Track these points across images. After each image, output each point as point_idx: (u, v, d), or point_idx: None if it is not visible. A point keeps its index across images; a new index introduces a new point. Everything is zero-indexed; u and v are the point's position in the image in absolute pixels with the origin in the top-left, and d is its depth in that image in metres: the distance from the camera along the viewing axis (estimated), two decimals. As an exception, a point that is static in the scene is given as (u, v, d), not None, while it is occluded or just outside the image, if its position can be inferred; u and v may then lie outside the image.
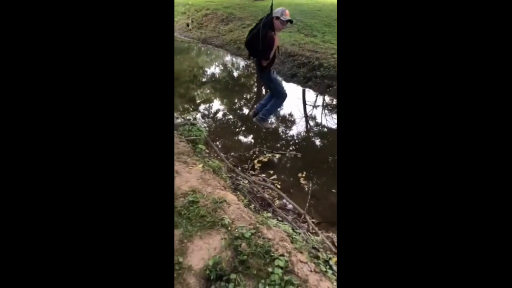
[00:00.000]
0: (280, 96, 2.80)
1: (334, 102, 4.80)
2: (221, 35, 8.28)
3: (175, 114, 4.37)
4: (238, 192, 2.22)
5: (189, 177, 1.90)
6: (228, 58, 7.55)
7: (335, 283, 1.34)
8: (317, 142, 3.85)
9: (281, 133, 4.03)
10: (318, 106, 4.88)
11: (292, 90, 5.38)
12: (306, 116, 4.54)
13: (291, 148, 3.54)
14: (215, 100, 5.06)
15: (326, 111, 4.61)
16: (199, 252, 1.40)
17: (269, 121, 3.15)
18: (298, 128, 4.14)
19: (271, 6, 2.49)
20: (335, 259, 1.61)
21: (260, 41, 2.43)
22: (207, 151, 2.84)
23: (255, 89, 5.93)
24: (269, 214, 1.84)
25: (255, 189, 2.54)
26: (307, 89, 5.27)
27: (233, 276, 1.30)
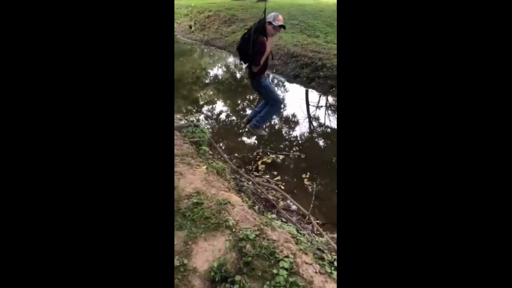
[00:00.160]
0: (274, 103, 2.70)
1: (338, 102, 4.79)
2: (224, 37, 8.31)
3: (178, 116, 4.39)
4: (242, 194, 2.22)
5: (193, 178, 1.90)
6: (231, 59, 7.57)
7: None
8: (321, 142, 3.83)
9: (285, 134, 4.02)
10: (321, 106, 4.86)
11: (295, 90, 5.37)
12: (309, 116, 4.53)
13: (294, 149, 3.53)
14: (218, 102, 5.07)
15: (330, 112, 4.60)
16: (203, 253, 1.40)
17: (264, 128, 3.05)
18: (302, 128, 4.13)
19: (264, 11, 2.42)
20: (340, 260, 1.60)
21: (250, 46, 2.36)
22: (210, 152, 2.85)
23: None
24: (274, 216, 1.83)
25: (259, 190, 2.54)
26: (310, 90, 5.27)
27: (238, 277, 1.29)
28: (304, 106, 4.81)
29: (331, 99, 4.92)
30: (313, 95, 5.16)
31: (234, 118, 4.42)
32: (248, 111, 5.06)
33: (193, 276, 1.30)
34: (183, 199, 1.71)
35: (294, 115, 4.49)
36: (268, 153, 3.20)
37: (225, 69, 7.11)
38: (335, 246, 1.88)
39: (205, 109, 4.79)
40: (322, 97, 5.08)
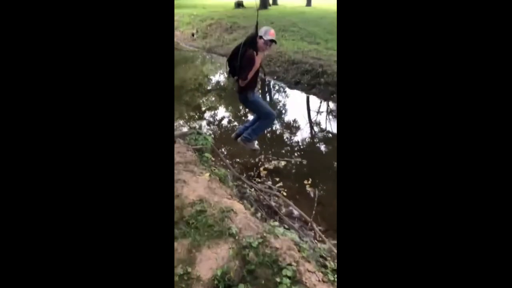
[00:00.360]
0: (267, 116, 2.58)
1: (339, 108, 4.81)
2: (226, 44, 8.40)
3: (181, 122, 4.43)
4: (245, 201, 2.23)
5: (197, 186, 1.92)
6: (232, 66, 7.64)
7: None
8: (322, 148, 3.85)
9: (286, 140, 4.04)
10: (322, 112, 4.89)
11: (296, 97, 5.41)
12: (310, 122, 4.56)
13: (296, 154, 3.55)
14: (220, 108, 5.11)
15: (331, 117, 4.62)
16: (207, 262, 1.41)
17: (255, 142, 2.85)
18: (303, 134, 4.15)
19: (256, 24, 2.32)
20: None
21: (238, 59, 2.28)
22: (213, 159, 2.87)
23: (259, 95, 5.98)
24: (276, 223, 1.84)
25: (261, 197, 2.54)
26: (311, 96, 5.30)
27: (241, 286, 1.30)
28: (305, 112, 4.84)
29: (332, 105, 4.94)
30: (314, 101, 5.20)
31: (236, 123, 4.45)
32: (250, 117, 5.10)
33: (197, 284, 1.31)
34: (187, 206, 1.72)
35: (295, 121, 4.51)
36: (270, 159, 3.21)
37: (226, 76, 7.17)
38: (338, 253, 1.88)
39: (207, 115, 4.83)
40: (323, 103, 5.11)
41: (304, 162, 3.25)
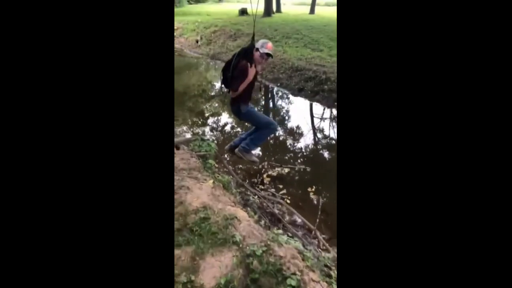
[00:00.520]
0: (265, 126, 2.42)
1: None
2: (229, 51, 8.49)
3: (184, 128, 4.45)
4: (248, 208, 2.23)
5: (200, 193, 1.92)
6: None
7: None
8: (326, 155, 3.84)
9: (289, 146, 4.04)
10: (326, 118, 4.89)
11: (300, 104, 5.42)
12: (313, 129, 4.56)
13: (299, 161, 3.54)
14: (223, 114, 5.13)
15: (334, 124, 4.62)
16: (211, 270, 1.40)
17: (254, 153, 2.65)
18: (306, 141, 4.15)
19: (253, 36, 2.28)
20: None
21: (230, 69, 2.19)
22: (216, 165, 2.87)
23: (262, 102, 6.01)
24: (280, 231, 1.83)
25: (264, 204, 2.54)
26: (314, 103, 5.31)
27: (245, 295, 1.29)
28: (308, 119, 4.85)
29: (335, 112, 4.95)
30: (318, 107, 5.21)
31: (239, 129, 4.46)
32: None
33: (200, 293, 1.30)
34: (191, 213, 1.72)
35: (298, 127, 4.52)
36: (274, 166, 3.20)
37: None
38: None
39: (210, 121, 4.86)
40: (326, 110, 5.12)
41: (308, 169, 3.24)
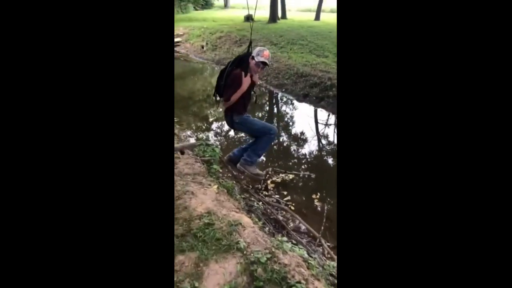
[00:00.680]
0: (264, 133, 2.17)
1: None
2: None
3: (188, 132, 4.47)
4: (252, 214, 2.21)
5: (205, 198, 1.91)
6: (240, 78, 7.74)
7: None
8: (330, 161, 3.81)
9: (293, 152, 4.03)
10: (331, 125, 4.88)
11: (305, 110, 5.42)
12: (318, 135, 4.54)
13: (303, 167, 3.52)
14: (228, 119, 5.14)
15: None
16: (214, 276, 1.38)
17: (256, 166, 2.35)
18: (311, 147, 4.13)
19: (250, 43, 2.09)
20: None
21: (223, 78, 2.06)
22: (220, 170, 2.87)
23: (267, 107, 6.02)
24: (284, 238, 1.81)
25: (268, 210, 2.52)
26: (319, 109, 5.31)
27: (249, 303, 1.27)
28: (313, 125, 4.84)
29: (340, 118, 4.93)
30: (323, 114, 5.20)
31: (242, 134, 4.46)
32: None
33: (204, 300, 1.28)
34: (195, 219, 1.71)
35: (303, 133, 4.51)
36: (278, 172, 3.19)
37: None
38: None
39: (214, 125, 4.87)
40: (331, 116, 5.11)
41: (313, 175, 3.22)
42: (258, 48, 2.08)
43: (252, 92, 2.20)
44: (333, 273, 1.72)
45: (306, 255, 1.76)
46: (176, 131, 4.11)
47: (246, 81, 2.02)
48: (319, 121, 5.02)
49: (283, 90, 6.15)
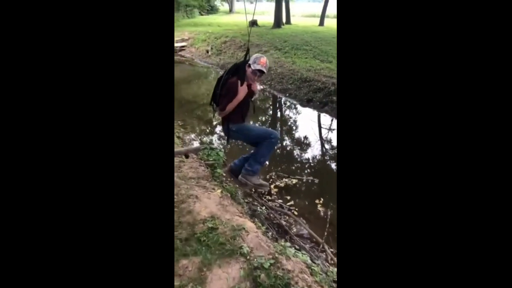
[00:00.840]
0: (264, 138, 1.96)
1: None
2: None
3: (192, 136, 4.49)
4: (256, 219, 2.21)
5: (208, 202, 1.92)
6: (245, 82, 7.78)
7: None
8: (333, 166, 3.81)
9: (296, 156, 4.03)
10: (334, 129, 4.88)
11: (308, 114, 5.43)
12: (321, 140, 4.54)
13: (306, 172, 3.52)
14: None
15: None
16: (218, 281, 1.39)
17: (259, 176, 2.12)
18: (314, 151, 4.13)
19: (247, 51, 1.99)
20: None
21: (219, 87, 1.96)
22: (224, 174, 2.88)
23: (270, 112, 6.04)
24: (288, 243, 1.80)
25: (271, 215, 2.51)
26: (323, 114, 5.31)
27: (252, 309, 1.27)
28: (316, 129, 4.84)
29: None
30: (326, 118, 5.20)
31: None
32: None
33: (207, 305, 1.28)
34: (199, 223, 1.72)
35: (306, 138, 4.51)
36: (281, 177, 3.19)
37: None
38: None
39: (218, 129, 4.89)
40: (334, 120, 5.10)
41: (316, 181, 3.21)
42: (255, 55, 1.96)
43: (250, 101, 2.06)
44: (336, 279, 1.71)
45: (309, 261, 1.76)
46: (180, 134, 4.14)
47: (242, 90, 1.90)
48: (322, 126, 5.02)
49: (287, 95, 6.17)
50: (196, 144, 4.12)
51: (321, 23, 12.90)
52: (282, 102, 6.14)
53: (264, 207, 2.53)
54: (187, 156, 2.63)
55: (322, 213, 2.70)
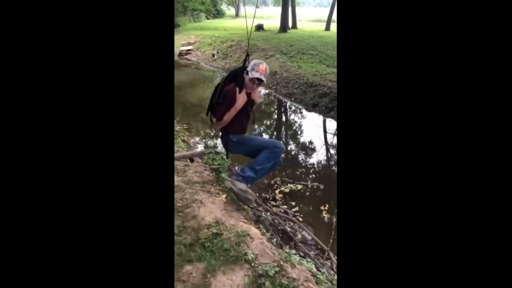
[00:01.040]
0: (265, 147, 1.76)
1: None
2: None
3: (197, 139, 4.50)
4: (261, 225, 2.19)
5: (213, 207, 1.91)
6: (250, 86, 7.81)
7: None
8: (339, 173, 3.77)
9: (301, 161, 4.00)
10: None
11: (314, 119, 5.41)
12: (327, 145, 4.51)
13: (311, 177, 3.49)
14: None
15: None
16: (222, 288, 1.37)
17: (248, 185, 1.83)
18: (319, 156, 4.11)
19: (246, 56, 1.85)
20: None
21: (216, 95, 1.81)
22: (229, 179, 2.86)
23: (275, 116, 6.03)
24: (293, 250, 1.78)
25: (276, 221, 2.49)
26: (329, 119, 5.29)
27: (256, 318, 1.24)
28: (321, 134, 4.81)
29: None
30: (332, 123, 5.17)
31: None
32: (265, 136, 5.11)
33: (211, 312, 1.26)
34: (203, 228, 1.70)
35: (311, 142, 4.49)
36: (286, 182, 3.17)
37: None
38: None
39: (223, 133, 4.89)
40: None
41: (321, 186, 3.18)
42: (253, 62, 1.76)
43: (251, 112, 1.86)
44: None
45: (314, 269, 1.73)
46: (185, 138, 4.15)
47: (241, 98, 1.70)
48: (328, 131, 4.99)
49: (292, 99, 6.17)
50: (200, 147, 4.13)
51: (327, 28, 12.92)
52: (288, 107, 6.13)
53: (268, 213, 2.51)
54: (192, 160, 2.63)
55: (327, 220, 2.67)
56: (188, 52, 11.14)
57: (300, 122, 5.48)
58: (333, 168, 3.89)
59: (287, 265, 1.55)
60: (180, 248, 1.54)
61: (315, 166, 3.88)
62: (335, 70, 6.73)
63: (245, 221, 1.92)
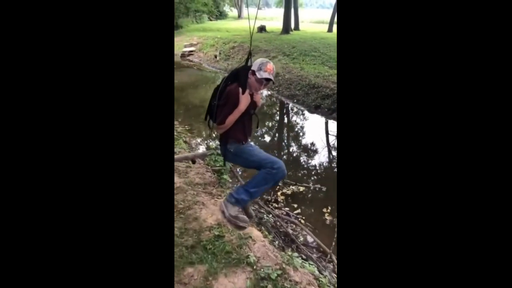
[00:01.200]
0: (264, 166, 1.55)
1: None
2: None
3: (198, 140, 4.50)
4: (262, 227, 2.18)
5: (215, 209, 1.90)
6: (252, 87, 7.81)
7: None
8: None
9: (303, 163, 3.99)
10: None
11: (316, 121, 5.40)
12: (329, 146, 4.50)
13: (313, 178, 3.48)
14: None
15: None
16: (223, 291, 1.36)
17: (239, 209, 1.60)
18: (321, 158, 4.09)
19: (249, 55, 1.64)
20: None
21: (216, 97, 1.61)
22: (230, 180, 2.86)
23: (277, 117, 6.02)
24: (295, 253, 1.77)
25: (278, 223, 2.48)
26: (331, 121, 5.27)
27: (258, 322, 1.23)
28: (323, 136, 4.80)
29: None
30: (334, 125, 5.15)
31: (252, 143, 4.46)
32: (267, 138, 5.11)
33: (212, 316, 1.26)
34: (205, 230, 1.70)
35: (313, 144, 4.48)
36: (289, 185, 3.15)
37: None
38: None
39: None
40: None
41: (324, 188, 3.16)
42: (259, 61, 1.62)
43: (254, 115, 1.71)
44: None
45: (317, 272, 1.72)
46: (187, 139, 4.15)
47: (244, 99, 1.57)
48: (330, 132, 4.98)
49: (295, 101, 6.16)
50: (202, 148, 4.12)
51: (330, 29, 12.91)
52: (290, 108, 6.12)
53: (270, 215, 2.50)
54: (194, 162, 2.63)
55: (329, 222, 2.65)
56: (190, 53, 11.17)
57: (302, 124, 5.46)
58: (335, 170, 3.87)
59: (289, 268, 1.54)
60: (182, 250, 1.54)
61: (317, 168, 3.87)
62: (337, 71, 6.72)
63: (247, 223, 1.91)
